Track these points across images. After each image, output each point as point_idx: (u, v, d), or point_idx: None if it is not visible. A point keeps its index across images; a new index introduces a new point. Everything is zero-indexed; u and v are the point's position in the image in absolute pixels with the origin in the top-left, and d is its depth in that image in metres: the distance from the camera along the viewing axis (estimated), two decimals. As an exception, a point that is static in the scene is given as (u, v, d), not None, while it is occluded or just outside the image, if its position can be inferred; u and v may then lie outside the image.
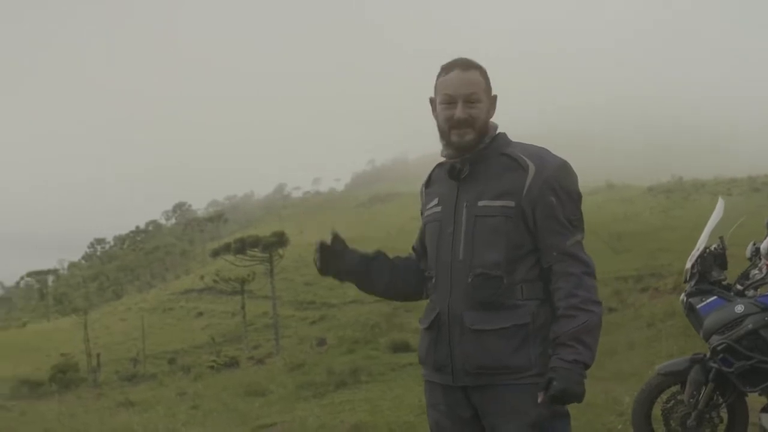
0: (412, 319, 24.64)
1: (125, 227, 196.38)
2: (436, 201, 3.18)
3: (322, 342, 31.99)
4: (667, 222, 75.73)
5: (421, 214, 3.33)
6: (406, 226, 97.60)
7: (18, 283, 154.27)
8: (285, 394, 13.89)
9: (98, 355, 56.24)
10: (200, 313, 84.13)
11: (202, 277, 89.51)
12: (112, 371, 53.79)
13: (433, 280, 3.14)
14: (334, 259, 3.23)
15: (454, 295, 3.03)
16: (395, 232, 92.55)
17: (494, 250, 2.98)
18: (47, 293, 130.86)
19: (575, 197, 3.06)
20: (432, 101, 3.16)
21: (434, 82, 3.14)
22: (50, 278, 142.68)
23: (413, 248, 3.44)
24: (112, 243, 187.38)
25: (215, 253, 62.00)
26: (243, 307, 55.48)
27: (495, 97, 3.14)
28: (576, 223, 3.04)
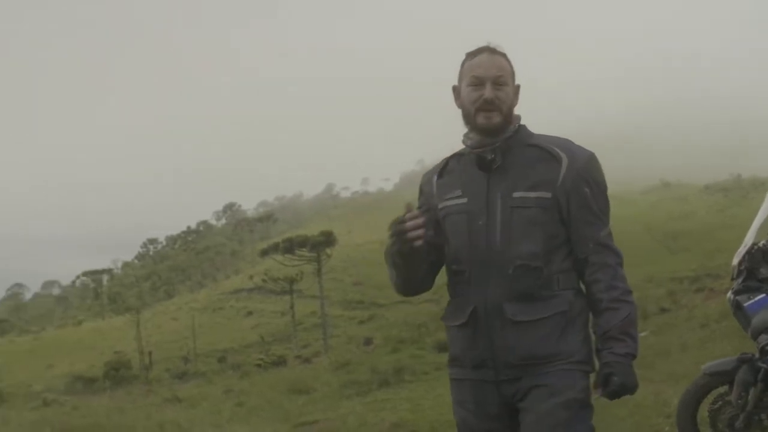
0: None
1: (177, 227, 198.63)
2: (459, 192, 3.11)
3: (368, 341, 31.95)
4: (725, 221, 74.53)
5: (426, 199, 3.26)
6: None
7: (74, 282, 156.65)
8: (329, 392, 14.00)
9: (150, 353, 56.89)
10: (250, 313, 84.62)
11: (251, 277, 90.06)
12: (163, 369, 54.33)
13: (465, 274, 3.04)
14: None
15: (492, 288, 2.96)
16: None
17: (532, 241, 2.94)
18: (102, 292, 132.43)
19: (604, 189, 3.08)
20: (455, 89, 3.13)
21: (458, 70, 3.11)
22: (105, 278, 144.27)
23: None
24: (164, 243, 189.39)
25: (264, 253, 62.34)
26: (292, 307, 55.72)
27: (519, 86, 3.10)
28: (606, 213, 3.07)
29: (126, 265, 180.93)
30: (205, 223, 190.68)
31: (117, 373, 48.42)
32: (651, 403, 7.46)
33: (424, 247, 2.97)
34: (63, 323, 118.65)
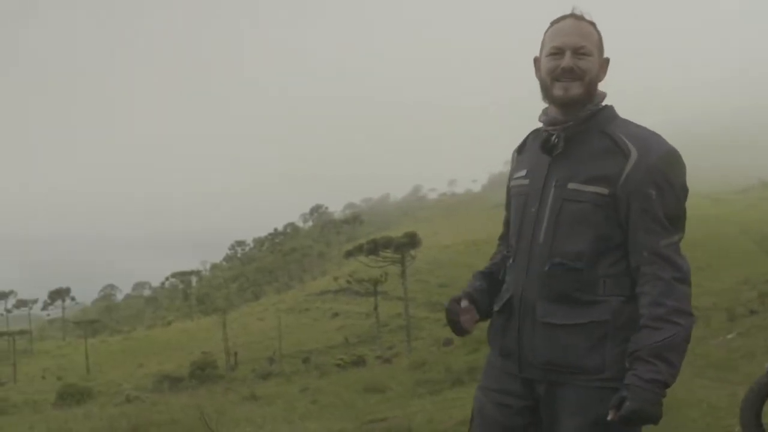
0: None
1: (264, 229, 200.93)
2: (524, 172, 2.89)
3: (448, 342, 31.79)
4: (824, 222, 72.32)
5: (508, 180, 3.04)
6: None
7: (163, 283, 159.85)
8: (402, 391, 14.04)
9: (235, 354, 57.71)
10: (336, 314, 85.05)
11: (336, 279, 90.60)
12: (249, 369, 54.94)
13: (511, 260, 2.88)
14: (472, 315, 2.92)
15: (529, 282, 2.77)
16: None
17: (578, 239, 2.68)
18: (191, 294, 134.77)
19: (679, 192, 2.70)
20: (536, 60, 2.84)
21: (541, 40, 2.84)
22: (193, 279, 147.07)
23: (505, 217, 3.10)
24: (251, 245, 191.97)
25: (348, 254, 62.55)
26: (376, 308, 55.77)
27: (607, 59, 2.80)
28: (676, 221, 2.69)
29: (214, 266, 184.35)
30: (292, 225, 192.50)
31: (203, 373, 49.22)
32: (726, 404, 7.20)
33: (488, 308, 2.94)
34: (153, 324, 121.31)
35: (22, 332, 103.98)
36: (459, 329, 2.88)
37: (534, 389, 2.79)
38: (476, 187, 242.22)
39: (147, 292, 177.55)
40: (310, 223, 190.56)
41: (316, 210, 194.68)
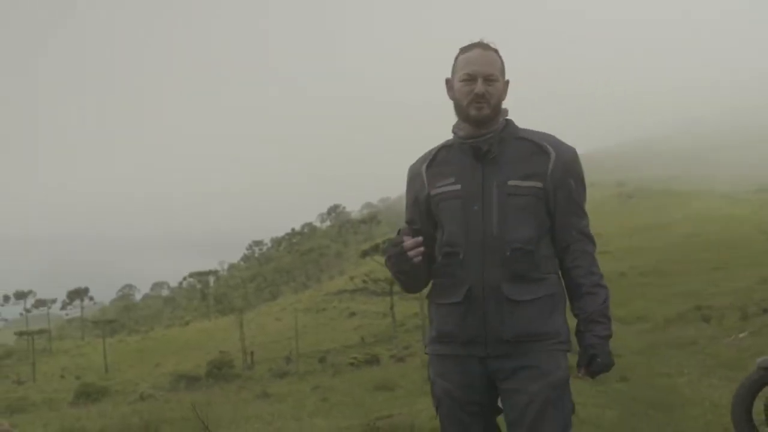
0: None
1: (282, 229, 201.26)
2: (452, 180, 3.28)
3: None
4: None
5: (416, 192, 3.44)
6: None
7: (181, 283, 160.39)
8: (412, 389, 14.18)
9: (251, 353, 57.75)
10: (352, 314, 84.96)
11: (352, 278, 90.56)
12: (266, 369, 54.95)
13: (460, 255, 3.21)
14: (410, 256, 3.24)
15: (488, 269, 3.15)
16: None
17: (526, 226, 3.17)
18: (208, 293, 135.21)
19: (584, 182, 3.35)
20: (448, 81, 3.33)
21: (452, 63, 3.31)
22: (211, 279, 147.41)
23: (411, 228, 3.46)
24: (269, 245, 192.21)
25: (364, 254, 62.56)
26: (392, 308, 55.78)
27: (508, 81, 3.30)
28: (584, 205, 3.33)
29: (232, 266, 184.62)
30: (309, 225, 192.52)
31: (219, 372, 49.29)
32: (727, 402, 7.16)
33: (423, 260, 3.23)
34: (171, 323, 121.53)
35: (41, 331, 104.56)
36: (403, 259, 3.19)
37: (491, 367, 3.18)
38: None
39: (165, 292, 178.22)
40: (328, 223, 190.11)
41: (334, 210, 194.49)
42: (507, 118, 3.32)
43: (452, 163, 3.31)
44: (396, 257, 3.21)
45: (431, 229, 3.38)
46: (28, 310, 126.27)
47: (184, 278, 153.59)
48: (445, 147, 3.39)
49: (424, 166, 3.41)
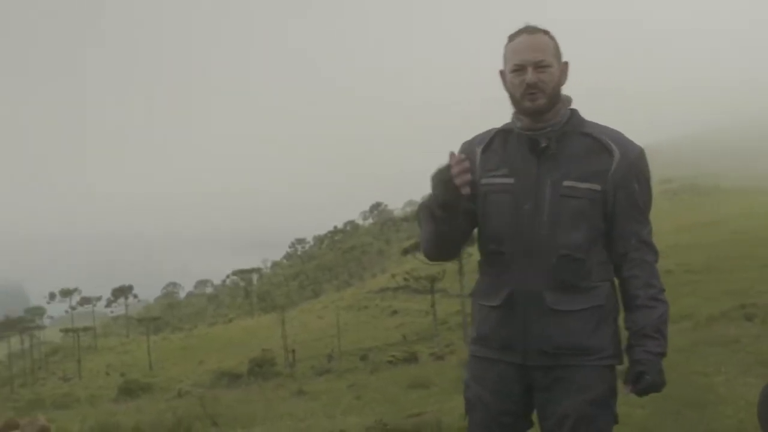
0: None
1: (324, 227, 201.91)
2: (505, 171, 3.00)
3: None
4: None
5: (474, 174, 3.00)
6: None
7: (224, 281, 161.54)
8: (447, 387, 14.15)
9: (293, 351, 57.96)
10: (394, 312, 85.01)
11: (393, 276, 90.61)
12: (308, 366, 55.08)
13: (506, 256, 2.98)
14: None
15: (532, 274, 2.93)
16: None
17: (578, 231, 2.92)
18: (251, 291, 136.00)
19: (650, 185, 3.04)
20: (502, 74, 3.03)
21: (502, 52, 3.03)
22: (254, 277, 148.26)
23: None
24: (311, 243, 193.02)
25: (405, 252, 62.60)
26: (433, 306, 55.71)
27: (566, 63, 3.01)
28: (649, 210, 3.04)
29: (275, 264, 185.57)
30: (351, 222, 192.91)
31: (261, 370, 49.51)
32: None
33: (468, 197, 2.90)
34: (214, 321, 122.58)
35: (86, 329, 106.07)
36: (449, 185, 2.81)
37: (529, 376, 2.97)
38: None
39: (209, 290, 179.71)
40: (370, 221, 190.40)
41: (376, 207, 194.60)
42: (571, 108, 3.03)
43: (508, 153, 3.03)
44: (441, 184, 2.84)
45: (471, 209, 3.03)
46: (73, 308, 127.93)
47: (228, 276, 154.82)
48: (503, 132, 3.09)
49: (480, 148, 3.10)
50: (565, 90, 3.01)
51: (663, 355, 2.90)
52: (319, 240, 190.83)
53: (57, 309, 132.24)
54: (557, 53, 2.97)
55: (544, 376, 2.95)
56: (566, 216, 2.90)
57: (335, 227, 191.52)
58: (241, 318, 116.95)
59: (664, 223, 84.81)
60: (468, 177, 2.81)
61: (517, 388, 3.01)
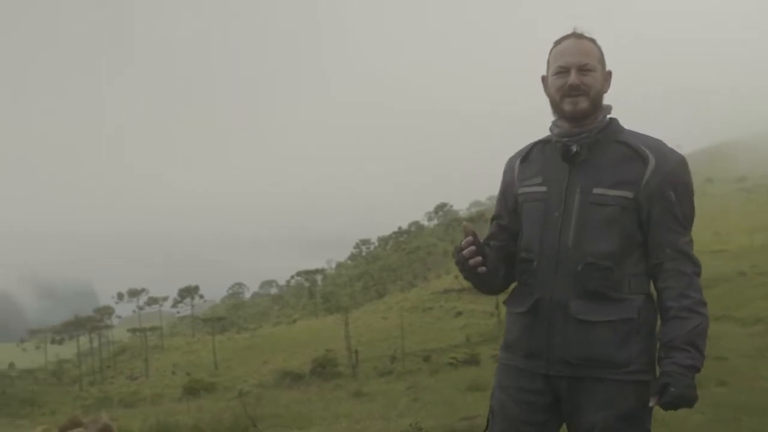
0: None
1: (389, 228, 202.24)
2: (539, 180, 3.04)
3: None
4: None
5: (506, 187, 3.21)
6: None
7: (289, 281, 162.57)
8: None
9: (356, 352, 57.98)
10: (459, 313, 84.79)
11: (457, 277, 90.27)
12: (371, 367, 55.12)
13: (534, 263, 2.97)
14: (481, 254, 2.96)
15: (558, 282, 2.91)
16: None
17: (607, 240, 2.87)
18: (316, 292, 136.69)
19: (691, 194, 2.98)
20: (544, 79, 3.06)
21: (546, 59, 3.06)
22: (319, 277, 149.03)
23: (497, 222, 3.23)
24: (376, 243, 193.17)
25: (468, 252, 62.35)
26: (497, 307, 55.53)
27: (609, 72, 3.03)
28: (690, 221, 2.96)
29: (339, 265, 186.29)
30: (416, 223, 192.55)
31: (323, 370, 49.60)
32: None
33: (489, 268, 2.94)
34: (279, 321, 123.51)
35: (153, 329, 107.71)
36: (465, 268, 2.90)
37: (555, 386, 2.93)
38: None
39: (274, 291, 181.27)
40: (435, 222, 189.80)
41: (441, 208, 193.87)
42: (610, 116, 3.01)
43: (543, 162, 3.06)
44: (459, 264, 2.93)
45: (518, 226, 3.11)
46: (141, 308, 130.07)
47: (292, 277, 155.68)
48: (541, 142, 3.12)
49: (518, 161, 3.16)
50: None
51: (695, 369, 2.75)
52: (384, 241, 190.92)
53: (125, 309, 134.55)
54: (602, 60, 2.99)
55: (568, 387, 2.91)
56: (595, 224, 2.87)
57: (400, 228, 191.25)
58: (305, 318, 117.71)
59: (738, 223, 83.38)
60: (478, 260, 2.88)
61: (542, 398, 2.96)
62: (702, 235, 79.05)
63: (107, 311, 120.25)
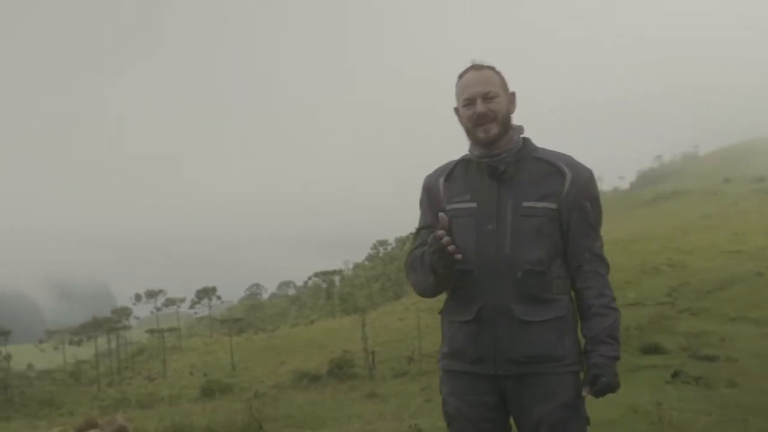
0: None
1: (406, 229, 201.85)
2: (468, 197, 3.29)
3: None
4: None
5: (431, 203, 3.40)
6: (694, 224, 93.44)
7: (306, 282, 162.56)
8: None
9: (372, 353, 58.04)
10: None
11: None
12: (388, 368, 55.18)
13: (472, 274, 3.20)
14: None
15: (499, 289, 3.16)
16: (680, 231, 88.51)
17: (538, 248, 3.17)
18: (334, 293, 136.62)
19: (600, 204, 3.32)
20: (456, 110, 3.35)
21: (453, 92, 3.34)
22: (336, 278, 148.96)
23: (428, 231, 3.35)
24: (393, 244, 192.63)
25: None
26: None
27: (513, 93, 3.32)
28: (600, 227, 3.32)
29: (357, 266, 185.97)
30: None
31: (340, 371, 49.72)
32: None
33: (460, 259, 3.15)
34: (296, 322, 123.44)
35: (171, 329, 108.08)
36: (446, 257, 3.05)
37: (501, 386, 3.19)
38: (624, 185, 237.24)
39: (291, 292, 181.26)
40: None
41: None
42: (523, 136, 3.33)
43: (469, 180, 3.32)
44: (439, 253, 3.06)
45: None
46: (158, 309, 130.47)
47: (310, 278, 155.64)
48: (463, 161, 3.39)
49: (441, 179, 3.41)
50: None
51: (617, 358, 3.16)
52: (401, 242, 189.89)
53: (143, 310, 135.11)
54: (504, 85, 3.28)
55: (514, 384, 3.17)
56: (527, 234, 3.16)
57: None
58: (322, 319, 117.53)
59: (755, 223, 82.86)
60: (454, 247, 3.05)
61: (491, 398, 3.21)
62: (719, 236, 78.77)
63: (125, 312, 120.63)
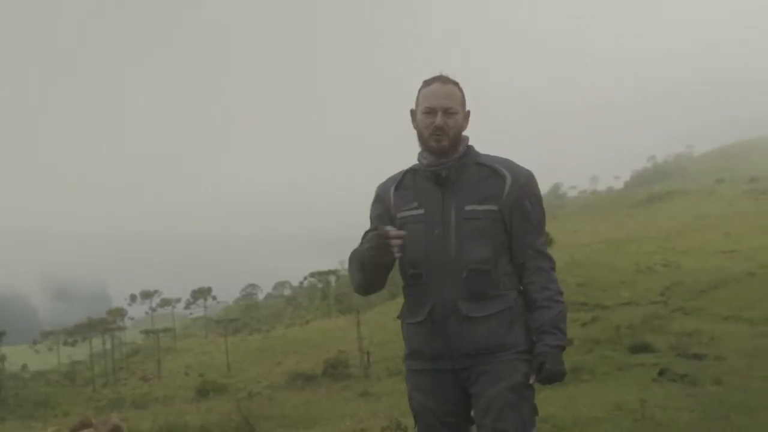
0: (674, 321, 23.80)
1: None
2: (416, 204, 3.49)
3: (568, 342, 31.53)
4: None
5: (383, 210, 3.59)
6: (689, 224, 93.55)
7: (302, 283, 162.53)
8: None
9: (368, 353, 58.08)
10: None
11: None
12: (383, 368, 55.20)
13: (423, 277, 3.41)
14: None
15: (448, 289, 3.36)
16: (674, 231, 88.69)
17: (482, 248, 3.36)
18: (329, 293, 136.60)
19: (541, 202, 3.51)
20: (412, 112, 3.53)
21: (416, 95, 3.50)
22: (332, 278, 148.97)
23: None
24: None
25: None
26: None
27: (469, 112, 3.52)
28: (543, 224, 3.51)
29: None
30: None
31: (335, 371, 49.74)
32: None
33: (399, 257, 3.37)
34: (292, 323, 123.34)
35: (166, 330, 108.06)
36: (386, 251, 3.26)
37: (461, 378, 3.40)
38: (618, 185, 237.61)
39: (287, 292, 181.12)
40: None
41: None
42: (468, 144, 3.50)
43: (416, 188, 3.52)
44: (378, 249, 3.27)
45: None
46: (153, 310, 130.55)
47: (305, 278, 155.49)
48: (411, 171, 3.59)
49: (392, 188, 3.60)
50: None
51: (561, 347, 3.31)
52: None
53: (138, 310, 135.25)
54: (463, 103, 3.48)
55: (471, 374, 3.35)
56: (471, 235, 3.35)
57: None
58: (318, 319, 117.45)
59: (748, 223, 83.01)
60: (400, 242, 3.26)
61: (453, 392, 3.41)
62: (713, 236, 78.93)
63: (120, 313, 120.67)
